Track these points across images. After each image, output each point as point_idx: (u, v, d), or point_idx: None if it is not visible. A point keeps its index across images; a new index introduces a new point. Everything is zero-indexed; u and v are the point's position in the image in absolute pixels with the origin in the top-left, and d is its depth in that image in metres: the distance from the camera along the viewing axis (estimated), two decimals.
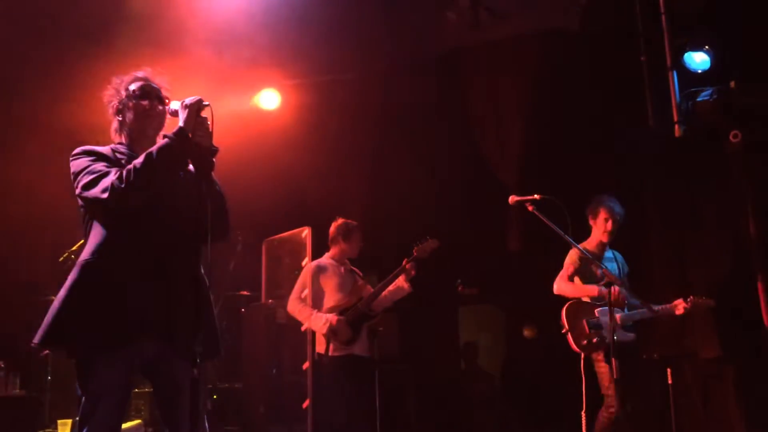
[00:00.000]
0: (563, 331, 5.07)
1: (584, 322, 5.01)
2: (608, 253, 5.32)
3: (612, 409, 4.86)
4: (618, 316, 4.88)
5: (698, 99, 5.23)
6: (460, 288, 7.89)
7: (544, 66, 6.68)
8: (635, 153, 6.43)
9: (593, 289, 5.01)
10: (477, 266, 7.72)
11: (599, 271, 4.85)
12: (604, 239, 5.26)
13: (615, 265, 5.25)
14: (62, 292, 2.76)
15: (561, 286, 5.19)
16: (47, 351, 5.60)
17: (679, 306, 5.11)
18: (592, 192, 5.46)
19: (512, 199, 4.57)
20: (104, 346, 2.72)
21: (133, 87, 3.08)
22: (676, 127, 5.21)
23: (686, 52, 5.29)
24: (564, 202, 4.71)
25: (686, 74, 5.30)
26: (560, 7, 6.18)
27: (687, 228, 6.10)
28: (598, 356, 4.98)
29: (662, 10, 5.30)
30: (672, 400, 5.48)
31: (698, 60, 5.32)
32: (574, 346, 5.03)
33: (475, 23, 6.37)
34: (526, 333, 6.93)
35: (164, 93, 3.12)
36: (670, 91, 5.22)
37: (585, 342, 4.96)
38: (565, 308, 5.11)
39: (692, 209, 6.06)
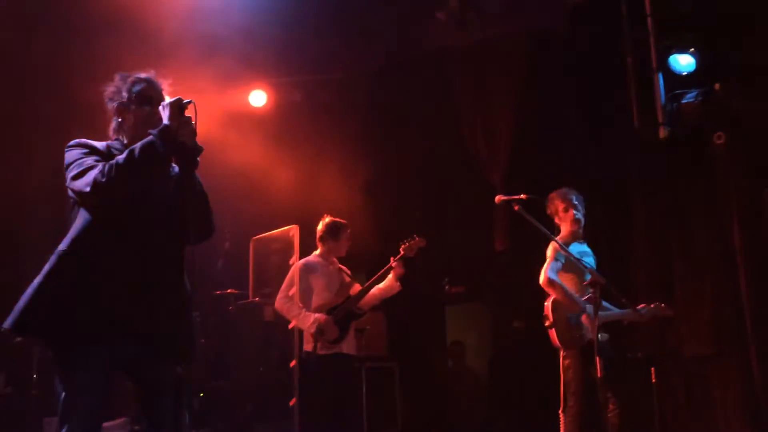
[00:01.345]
0: (547, 324, 4.94)
1: (568, 317, 4.90)
2: (584, 247, 5.13)
3: (575, 409, 4.84)
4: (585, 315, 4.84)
5: (683, 101, 5.28)
6: (447, 287, 7.93)
7: (531, 67, 6.71)
8: (620, 154, 6.48)
9: (576, 308, 4.83)
10: (464, 265, 7.76)
11: (586, 270, 4.77)
12: (574, 227, 5.06)
13: (592, 259, 5.18)
14: (37, 279, 2.72)
15: (553, 281, 4.89)
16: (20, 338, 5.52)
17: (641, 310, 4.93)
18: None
19: (498, 198, 4.56)
20: (78, 341, 2.68)
21: (136, 90, 2.99)
22: (661, 128, 5.25)
23: (672, 54, 5.33)
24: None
25: (671, 76, 5.34)
26: (547, 8, 6.21)
27: (672, 229, 6.14)
28: (569, 353, 4.89)
29: (648, 12, 5.34)
30: (655, 399, 5.51)
31: (683, 62, 5.36)
32: (555, 341, 4.91)
33: (463, 23, 6.39)
34: (516, 325, 6.90)
35: (166, 98, 3.00)
36: (655, 93, 5.26)
37: (569, 338, 4.91)
38: (551, 302, 4.93)
39: (677, 210, 6.10)
